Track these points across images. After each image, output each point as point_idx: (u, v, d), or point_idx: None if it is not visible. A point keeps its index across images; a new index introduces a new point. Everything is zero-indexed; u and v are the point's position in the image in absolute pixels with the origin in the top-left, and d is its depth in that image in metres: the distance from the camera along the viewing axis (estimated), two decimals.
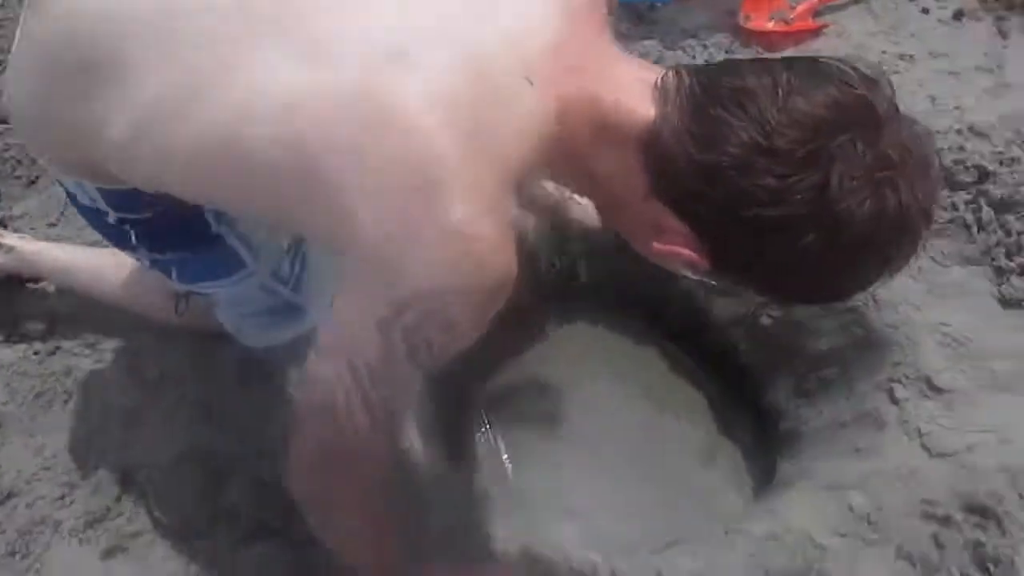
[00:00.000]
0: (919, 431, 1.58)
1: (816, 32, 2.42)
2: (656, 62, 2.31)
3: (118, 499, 1.30)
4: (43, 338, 1.55)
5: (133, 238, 1.26)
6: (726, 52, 2.39)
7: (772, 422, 2.06)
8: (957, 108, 2.07)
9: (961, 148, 1.93)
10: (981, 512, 1.43)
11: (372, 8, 0.92)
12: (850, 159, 0.84)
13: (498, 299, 0.89)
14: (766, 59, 1.02)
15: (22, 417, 1.43)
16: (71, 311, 1.60)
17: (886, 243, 0.90)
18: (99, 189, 1.18)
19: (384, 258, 0.86)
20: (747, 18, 2.42)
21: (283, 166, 0.89)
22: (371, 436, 0.95)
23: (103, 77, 0.98)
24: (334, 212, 0.87)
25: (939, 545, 1.41)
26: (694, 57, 2.34)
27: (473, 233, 0.84)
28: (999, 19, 2.39)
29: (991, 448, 1.51)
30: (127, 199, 1.19)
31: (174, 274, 1.36)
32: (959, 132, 2.02)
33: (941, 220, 1.85)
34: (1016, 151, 2.01)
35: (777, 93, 0.84)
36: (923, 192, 0.88)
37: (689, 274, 0.99)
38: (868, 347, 1.80)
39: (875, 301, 1.79)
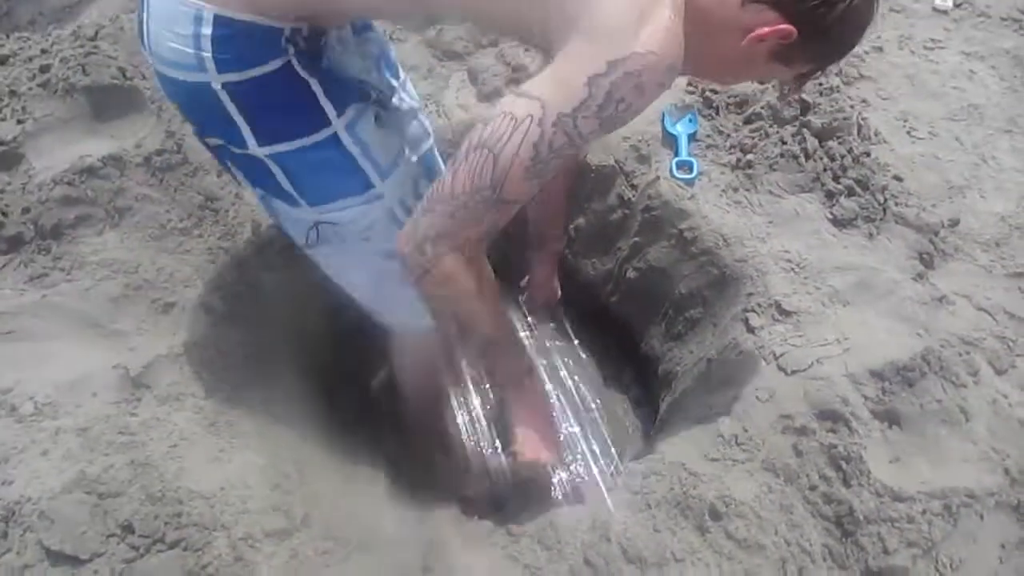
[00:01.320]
0: (774, 354, 1.69)
1: None
2: None
3: (4, 535, 1.30)
4: None
5: (243, 123, 1.26)
6: None
7: (652, 368, 2.17)
8: None
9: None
10: (832, 418, 1.55)
11: None
12: None
13: (669, 80, 1.16)
14: None
15: None
16: None
17: (868, 12, 1.24)
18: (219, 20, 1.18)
19: (616, 27, 1.09)
20: None
21: None
22: (524, 181, 1.16)
23: None
24: None
25: (798, 453, 1.53)
26: None
27: (673, 28, 1.12)
28: None
29: (836, 359, 1.64)
30: (246, 43, 1.19)
31: (299, 195, 1.36)
32: None
33: (772, 155, 1.98)
34: (834, 80, 2.16)
35: None
36: None
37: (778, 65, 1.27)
38: (724, 283, 1.91)
39: (724, 239, 1.90)
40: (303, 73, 1.25)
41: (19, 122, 1.93)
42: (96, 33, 2.13)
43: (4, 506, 1.35)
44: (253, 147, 1.31)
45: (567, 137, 1.13)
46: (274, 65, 1.23)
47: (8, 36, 2.19)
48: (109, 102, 1.97)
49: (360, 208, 1.40)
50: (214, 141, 1.36)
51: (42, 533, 1.30)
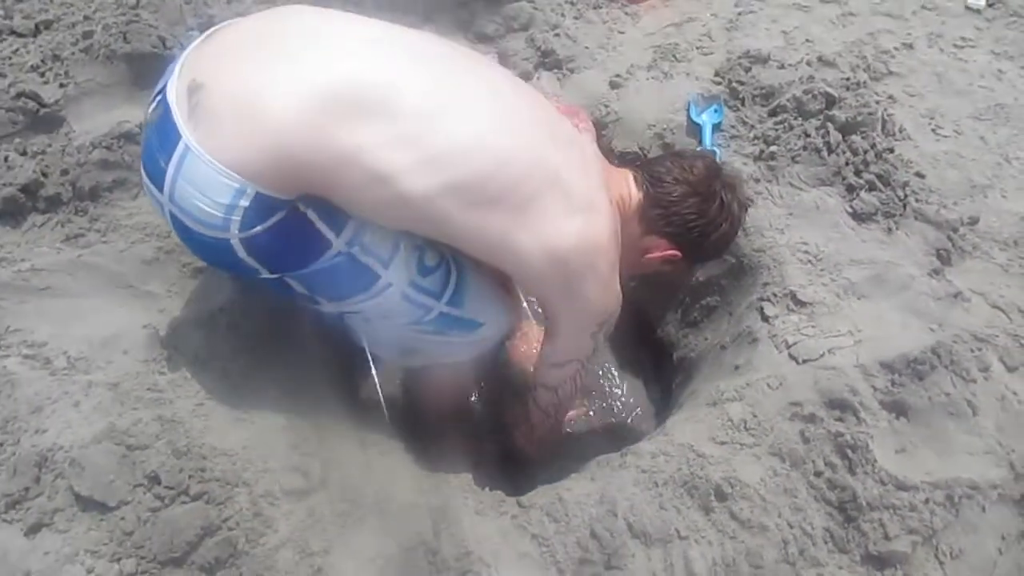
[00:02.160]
0: (787, 343, 1.72)
1: None
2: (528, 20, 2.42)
3: (37, 480, 1.37)
4: None
5: (256, 264, 1.37)
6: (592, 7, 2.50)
7: (667, 353, 2.20)
8: (807, 40, 2.21)
9: (811, 78, 2.07)
10: (840, 407, 1.58)
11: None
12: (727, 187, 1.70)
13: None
14: (674, 154, 1.78)
15: None
16: None
17: (734, 233, 1.75)
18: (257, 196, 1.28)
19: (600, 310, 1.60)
20: None
21: None
22: (573, 393, 1.81)
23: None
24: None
25: (805, 440, 1.56)
26: (563, 15, 2.44)
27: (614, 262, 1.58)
28: None
29: (848, 350, 1.66)
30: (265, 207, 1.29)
31: (319, 298, 1.48)
32: (809, 63, 2.17)
33: (795, 148, 2.00)
34: (861, 75, 2.17)
35: (682, 168, 1.68)
36: (743, 198, 1.75)
37: (667, 269, 1.75)
38: (741, 272, 1.94)
39: (743, 229, 1.93)
40: (302, 207, 1.34)
41: (61, 86, 1.99)
42: (138, 2, 2.18)
43: (37, 453, 1.41)
44: (266, 275, 1.41)
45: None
46: (284, 211, 1.33)
47: (52, 1, 2.25)
48: (149, 69, 2.02)
49: (375, 300, 1.49)
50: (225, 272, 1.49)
51: (73, 479, 1.36)
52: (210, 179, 1.28)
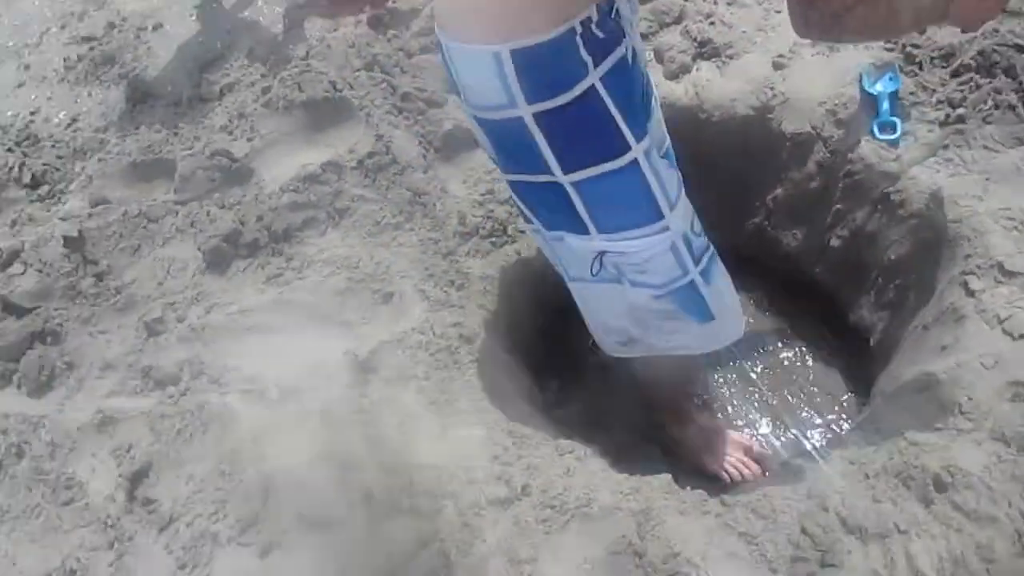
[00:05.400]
0: (998, 317, 1.59)
1: None
2: None
3: (265, 503, 1.48)
4: (174, 382, 1.75)
5: (546, 144, 1.29)
6: None
7: (863, 339, 2.10)
8: None
9: (995, 31, 1.92)
10: None
11: None
12: None
13: None
14: None
15: (169, 453, 1.63)
16: (193, 355, 1.80)
17: None
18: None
19: None
20: None
21: None
22: None
23: None
24: None
25: None
26: (715, 3, 2.38)
27: None
28: None
29: None
30: (550, 66, 1.21)
31: (594, 223, 1.40)
32: None
33: (985, 108, 1.86)
34: None
35: None
36: None
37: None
38: (937, 246, 1.82)
39: (935, 200, 1.81)
40: (605, 96, 1.27)
41: (248, 140, 2.16)
42: (307, 53, 2.33)
43: (261, 479, 1.53)
44: (559, 175, 1.34)
45: None
46: (580, 89, 1.25)
47: (232, 65, 2.44)
48: (323, 114, 2.16)
49: (648, 239, 1.42)
50: (515, 177, 1.42)
51: (296, 502, 1.46)
52: (471, 58, 1.25)
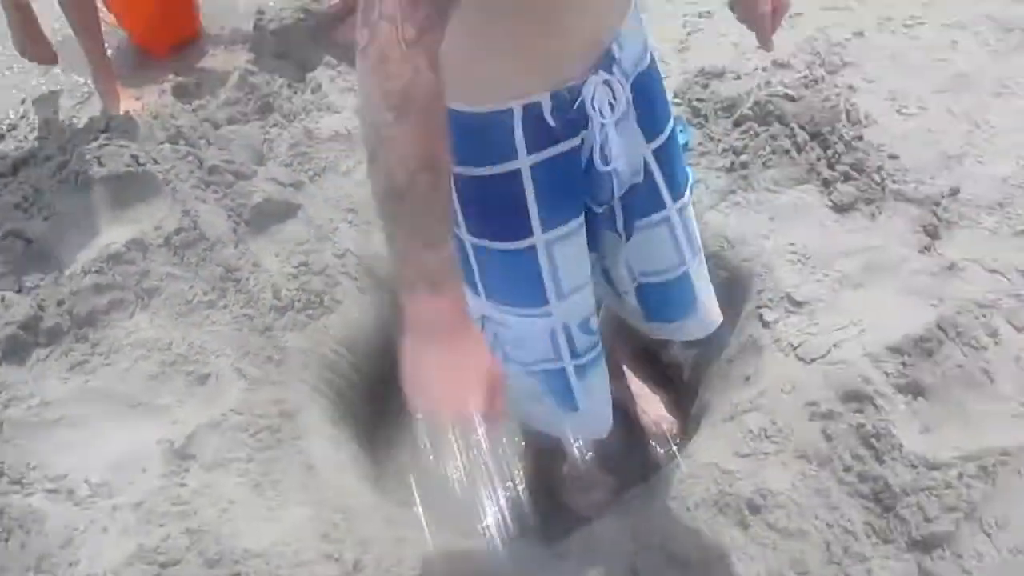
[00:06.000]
0: (791, 345, 1.72)
1: None
2: None
3: None
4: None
5: (460, 204, 1.25)
6: None
7: (678, 376, 2.20)
8: (759, 47, 2.24)
9: (768, 83, 2.11)
10: (856, 398, 1.58)
11: None
12: None
13: None
14: None
15: None
16: None
17: None
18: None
19: None
20: None
21: None
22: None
23: None
24: None
25: (828, 438, 1.55)
26: None
27: None
28: None
29: (853, 341, 1.67)
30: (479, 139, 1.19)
31: (480, 285, 1.39)
32: (764, 69, 2.20)
33: (764, 153, 2.02)
34: (818, 71, 2.20)
35: None
36: None
37: None
38: (734, 283, 1.94)
39: (727, 241, 1.94)
40: (527, 183, 1.27)
41: (45, 219, 2.03)
42: (107, 125, 2.23)
43: None
44: (463, 232, 1.34)
45: None
46: (505, 168, 1.25)
47: (26, 138, 2.31)
48: (126, 189, 2.07)
49: (527, 320, 1.42)
50: None
51: None
52: None
